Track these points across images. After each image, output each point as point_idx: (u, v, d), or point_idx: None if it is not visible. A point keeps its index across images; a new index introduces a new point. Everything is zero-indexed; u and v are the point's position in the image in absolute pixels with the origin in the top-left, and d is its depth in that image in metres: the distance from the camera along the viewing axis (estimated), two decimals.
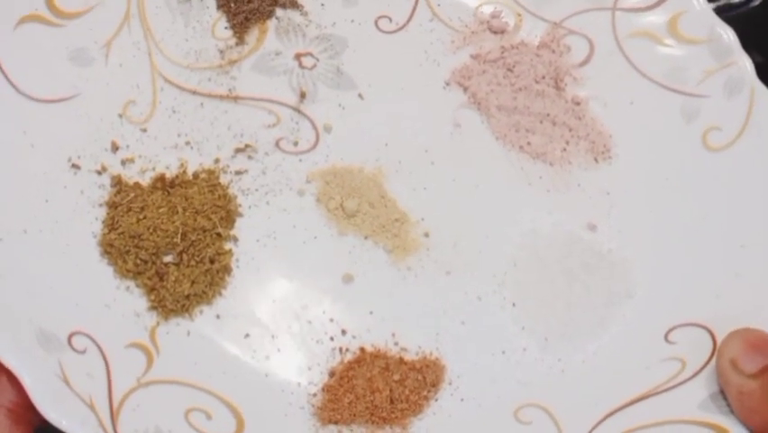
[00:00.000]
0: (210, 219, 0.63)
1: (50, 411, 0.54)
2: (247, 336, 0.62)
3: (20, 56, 0.64)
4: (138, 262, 0.61)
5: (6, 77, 0.63)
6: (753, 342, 0.59)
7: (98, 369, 0.57)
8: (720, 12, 0.76)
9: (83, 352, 0.57)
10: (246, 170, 0.66)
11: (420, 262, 0.65)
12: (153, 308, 0.61)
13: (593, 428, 0.60)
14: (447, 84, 0.71)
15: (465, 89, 0.71)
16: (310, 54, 0.70)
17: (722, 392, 0.60)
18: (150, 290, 0.61)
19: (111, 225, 0.62)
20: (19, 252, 0.59)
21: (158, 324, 0.61)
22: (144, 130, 0.66)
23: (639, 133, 0.70)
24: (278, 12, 0.72)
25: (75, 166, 0.63)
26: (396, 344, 0.63)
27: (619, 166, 0.70)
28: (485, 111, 0.70)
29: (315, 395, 0.61)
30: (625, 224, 0.68)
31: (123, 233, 0.62)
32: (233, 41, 0.70)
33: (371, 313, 0.63)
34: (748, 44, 0.70)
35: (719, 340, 0.61)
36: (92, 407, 0.56)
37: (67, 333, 0.57)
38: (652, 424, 0.59)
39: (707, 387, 0.61)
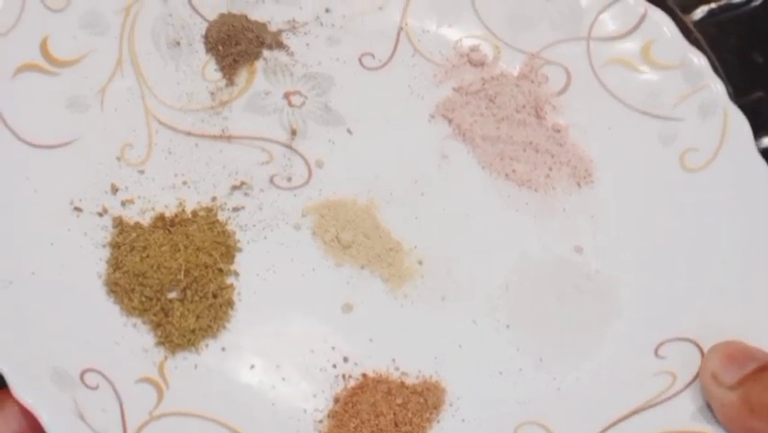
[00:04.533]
0: (211, 255, 0.65)
1: None
2: (252, 366, 0.63)
3: (19, 104, 0.65)
4: (143, 299, 0.63)
5: (7, 124, 0.64)
6: (731, 354, 0.61)
7: (111, 404, 0.59)
8: (721, 12, 0.78)
9: (95, 388, 0.59)
10: (243, 207, 0.68)
11: (416, 290, 0.67)
12: (160, 343, 0.62)
13: None
14: (432, 116, 0.73)
15: (450, 121, 0.73)
16: (298, 93, 0.72)
17: None
18: (157, 326, 0.62)
19: (115, 264, 0.64)
20: (29, 293, 0.60)
21: (165, 358, 0.62)
22: (142, 172, 0.68)
23: (619, 157, 0.73)
24: (265, 53, 0.73)
25: (77, 209, 0.65)
26: (396, 369, 0.64)
27: (601, 190, 0.72)
28: (470, 141, 0.72)
29: (321, 421, 0.62)
30: (610, 245, 0.70)
31: (127, 272, 0.63)
32: (223, 83, 0.72)
33: (371, 340, 0.65)
34: (749, 45, 0.72)
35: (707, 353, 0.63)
36: None
37: (79, 370, 0.59)
38: None
39: (698, 399, 0.63)
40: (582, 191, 0.72)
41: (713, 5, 0.79)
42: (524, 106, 0.74)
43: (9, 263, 0.61)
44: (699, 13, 0.81)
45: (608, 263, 0.69)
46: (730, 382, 0.60)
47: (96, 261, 0.64)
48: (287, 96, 0.72)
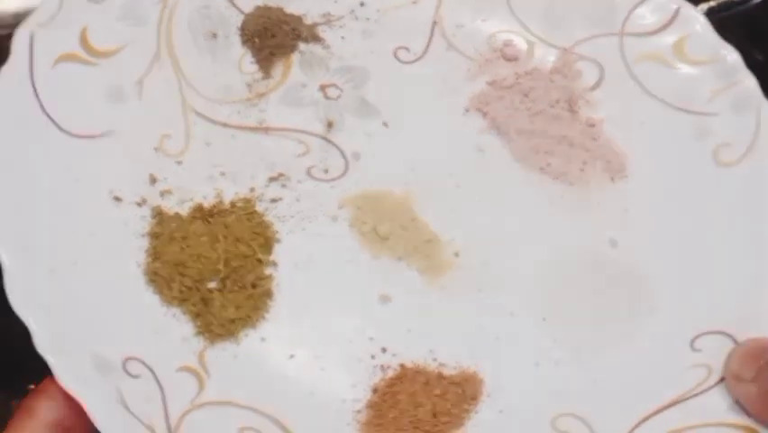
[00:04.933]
0: (250, 246, 0.65)
1: (111, 425, 0.56)
2: (291, 356, 0.64)
3: (59, 94, 0.65)
4: (183, 289, 0.63)
5: (48, 114, 0.65)
6: (747, 352, 0.63)
7: (154, 392, 0.59)
8: (720, 10, 0.78)
9: (138, 376, 0.59)
10: (281, 198, 0.68)
11: (452, 282, 0.68)
12: (200, 333, 0.63)
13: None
14: (467, 110, 0.74)
15: (485, 115, 0.73)
16: (334, 85, 0.73)
17: None
18: (196, 316, 0.63)
19: (155, 254, 0.64)
20: (71, 282, 0.61)
21: (205, 348, 0.62)
22: (180, 162, 0.68)
23: (652, 152, 0.73)
24: (301, 46, 0.74)
25: (117, 199, 0.65)
26: (434, 360, 0.65)
27: (635, 184, 0.72)
28: (505, 135, 0.73)
29: (360, 411, 0.63)
30: (644, 239, 0.70)
31: (166, 261, 0.64)
32: (259, 75, 0.72)
33: (409, 331, 0.66)
34: (749, 42, 0.72)
35: None
36: (151, 429, 0.57)
37: (121, 359, 0.59)
38: (685, 427, 0.62)
39: None
40: (616, 185, 0.72)
41: (712, 3, 0.79)
42: (557, 101, 0.74)
43: (51, 252, 0.61)
44: (699, 11, 0.81)
45: (643, 257, 0.70)
46: (750, 376, 0.60)
47: (136, 250, 0.65)
48: (323, 88, 0.73)
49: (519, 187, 0.72)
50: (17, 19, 0.68)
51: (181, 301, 0.63)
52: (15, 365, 0.65)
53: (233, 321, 0.63)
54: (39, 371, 0.58)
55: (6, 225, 0.60)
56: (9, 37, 0.66)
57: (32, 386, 0.60)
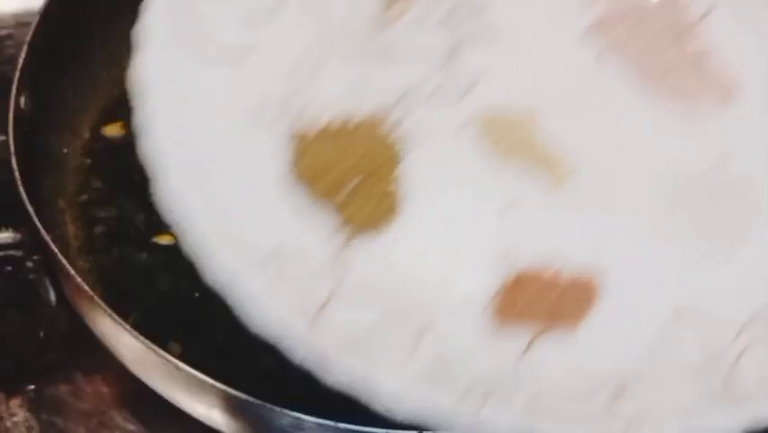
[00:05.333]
0: (376, 161, 0.69)
1: (257, 316, 0.61)
2: (424, 254, 0.67)
3: (197, 23, 0.70)
4: (325, 188, 0.67)
5: (188, 42, 0.70)
6: None
7: (297, 280, 0.63)
8: None
9: (282, 266, 0.63)
10: (405, 118, 0.72)
11: (572, 194, 0.70)
12: (342, 226, 0.66)
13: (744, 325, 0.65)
14: (585, 34, 0.76)
15: (601, 39, 0.76)
16: (457, 11, 0.76)
17: None
18: (339, 210, 0.67)
19: (297, 160, 0.68)
20: (224, 188, 0.66)
21: (346, 241, 0.66)
22: (312, 84, 0.72)
23: (762, 77, 0.76)
24: None
25: (256, 117, 0.69)
26: (555, 263, 0.68)
27: (745, 106, 0.75)
28: (620, 59, 0.76)
29: (490, 301, 0.66)
30: (755, 153, 0.74)
31: (309, 166, 0.68)
32: (386, 4, 0.76)
33: (530, 238, 0.68)
34: None
35: None
36: (294, 315, 0.62)
37: (270, 248, 0.64)
38: None
39: None
40: (727, 107, 0.75)
41: None
42: (667, 31, 0.77)
43: (203, 164, 0.66)
44: None
45: (754, 169, 0.73)
46: None
47: (277, 159, 0.69)
48: (446, 14, 0.76)
49: (635, 106, 0.74)
50: (17, 19, 0.70)
51: (325, 199, 0.67)
52: (15, 365, 0.66)
53: (369, 218, 0.67)
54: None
55: (161, 142, 0.66)
56: (9, 37, 0.68)
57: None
